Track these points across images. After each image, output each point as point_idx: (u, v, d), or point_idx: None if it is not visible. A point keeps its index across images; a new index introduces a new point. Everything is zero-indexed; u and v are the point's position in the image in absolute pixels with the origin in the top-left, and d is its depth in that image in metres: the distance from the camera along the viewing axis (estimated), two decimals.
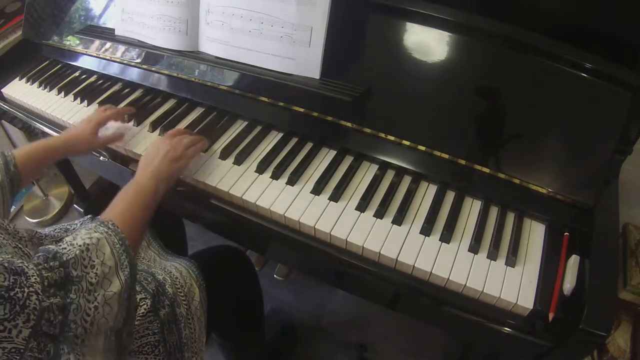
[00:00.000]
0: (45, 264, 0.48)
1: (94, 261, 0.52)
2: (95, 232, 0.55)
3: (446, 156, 0.79)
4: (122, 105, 1.03)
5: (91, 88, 1.10)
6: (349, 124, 0.84)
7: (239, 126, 0.94)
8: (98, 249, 0.53)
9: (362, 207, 0.76)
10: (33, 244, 0.66)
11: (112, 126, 0.93)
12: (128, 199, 0.67)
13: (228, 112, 0.96)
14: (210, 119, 0.96)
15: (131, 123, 0.98)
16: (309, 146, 0.88)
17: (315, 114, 0.86)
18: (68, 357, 0.47)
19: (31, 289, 0.44)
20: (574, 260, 0.67)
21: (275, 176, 0.82)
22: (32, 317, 0.43)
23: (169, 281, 0.79)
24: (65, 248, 0.51)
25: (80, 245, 0.52)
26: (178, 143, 0.79)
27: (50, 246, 0.51)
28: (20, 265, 0.45)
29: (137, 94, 1.07)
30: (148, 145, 0.91)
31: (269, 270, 1.47)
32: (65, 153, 0.86)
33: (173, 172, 0.76)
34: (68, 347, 0.47)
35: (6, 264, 0.44)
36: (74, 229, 0.84)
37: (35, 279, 0.45)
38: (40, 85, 1.13)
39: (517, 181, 0.75)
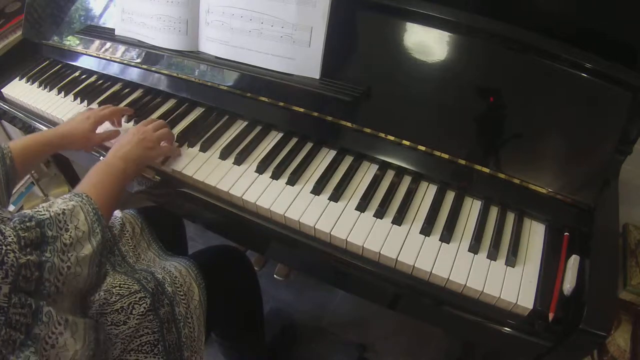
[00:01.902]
0: (22, 225, 0.50)
1: (68, 225, 0.55)
2: (71, 201, 0.58)
3: (446, 156, 0.79)
4: (122, 104, 1.03)
5: (91, 88, 1.10)
6: (349, 124, 0.84)
7: (239, 126, 0.94)
8: (73, 215, 0.56)
9: (362, 207, 0.76)
10: None
11: (110, 126, 0.94)
12: (98, 175, 0.70)
13: (228, 112, 0.96)
14: (210, 119, 0.96)
15: (130, 123, 0.98)
16: (309, 146, 0.88)
17: (315, 114, 0.86)
18: (49, 309, 0.49)
19: (8, 247, 0.46)
20: (574, 260, 0.67)
21: (275, 176, 0.82)
22: (10, 273, 0.45)
23: (169, 280, 0.79)
24: (40, 211, 0.53)
25: (55, 210, 0.54)
26: (150, 133, 0.82)
27: (26, 210, 0.53)
28: None
29: (137, 94, 1.07)
30: None
31: (269, 270, 1.47)
32: (61, 147, 0.86)
33: (143, 158, 0.79)
34: (45, 302, 0.49)
35: None
36: None
37: (12, 238, 0.47)
38: (40, 85, 1.13)
39: (517, 181, 0.75)
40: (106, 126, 0.93)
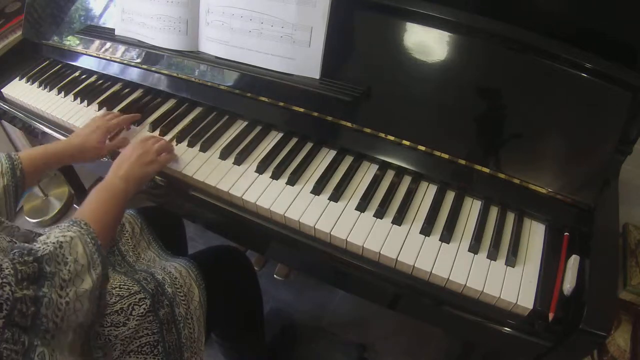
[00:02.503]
0: (20, 259, 0.49)
1: (67, 258, 0.53)
2: (69, 231, 0.56)
3: (446, 156, 0.79)
4: (122, 104, 1.03)
5: (91, 88, 1.10)
6: (349, 124, 0.84)
7: (239, 126, 0.94)
8: (71, 247, 0.54)
9: (362, 207, 0.76)
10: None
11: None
12: (99, 198, 0.69)
13: (228, 112, 0.96)
14: (210, 119, 0.96)
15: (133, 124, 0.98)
16: (309, 146, 0.88)
17: (315, 114, 0.86)
18: (42, 350, 0.48)
19: (4, 280, 0.45)
20: (574, 260, 0.67)
21: (275, 176, 0.82)
22: (4, 307, 0.44)
23: (169, 281, 0.79)
24: (39, 246, 0.52)
25: (54, 243, 0.53)
26: (150, 147, 0.81)
27: (25, 244, 0.52)
28: None
29: (137, 94, 1.07)
30: None
31: (269, 270, 1.47)
32: (72, 159, 0.86)
33: (143, 176, 0.79)
34: (40, 341, 0.48)
35: None
36: None
37: (9, 271, 0.46)
38: (40, 85, 1.13)
39: (517, 181, 0.75)
40: None
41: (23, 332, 0.46)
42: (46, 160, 0.80)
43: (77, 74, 1.15)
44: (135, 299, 0.73)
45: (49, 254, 0.51)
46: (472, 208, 0.78)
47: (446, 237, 0.72)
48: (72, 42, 1.15)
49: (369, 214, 0.76)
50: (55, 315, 0.49)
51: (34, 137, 1.41)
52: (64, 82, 1.13)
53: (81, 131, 0.88)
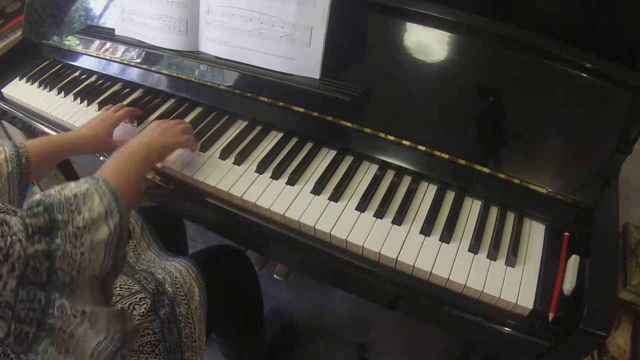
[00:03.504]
0: (29, 211, 0.46)
1: (81, 207, 0.50)
2: (85, 183, 0.54)
3: (446, 156, 0.79)
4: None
5: (91, 88, 1.10)
6: (349, 124, 0.84)
7: (239, 126, 0.94)
8: (86, 197, 0.51)
9: (362, 207, 0.76)
10: None
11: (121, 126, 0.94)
12: (119, 160, 0.67)
13: (228, 112, 0.96)
14: (210, 119, 0.96)
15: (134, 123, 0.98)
16: (309, 146, 0.88)
17: (315, 114, 0.86)
18: (62, 302, 0.46)
19: (14, 237, 0.43)
20: (574, 260, 0.67)
21: (275, 176, 0.82)
22: (17, 266, 0.42)
23: (169, 280, 0.79)
24: (50, 194, 0.50)
25: (66, 194, 0.50)
26: (174, 124, 0.82)
27: (35, 196, 0.50)
28: (2, 216, 0.44)
29: (137, 94, 1.07)
30: None
31: (269, 270, 1.47)
32: (79, 151, 0.85)
33: (166, 145, 0.78)
34: (58, 294, 0.46)
35: None
36: None
37: (19, 227, 0.44)
38: (40, 85, 1.13)
39: (517, 181, 0.75)
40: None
41: (39, 289, 0.44)
42: (53, 150, 0.79)
43: (77, 74, 1.15)
44: (136, 298, 0.73)
45: (59, 201, 0.49)
46: (472, 208, 0.78)
47: (446, 237, 0.72)
48: (72, 42, 1.15)
49: (369, 214, 0.76)
50: (71, 268, 0.47)
51: (34, 137, 1.40)
52: (64, 82, 1.13)
53: (89, 123, 0.89)
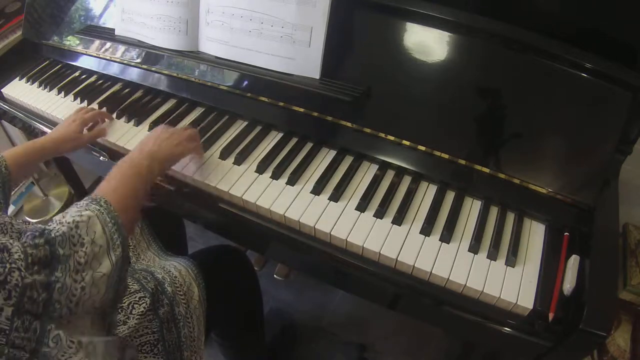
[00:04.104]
0: (31, 242, 0.46)
1: (83, 239, 0.49)
2: (87, 209, 0.53)
3: (446, 156, 0.78)
4: (122, 105, 1.03)
5: (91, 88, 1.10)
6: (349, 124, 0.84)
7: (239, 126, 0.94)
8: (89, 227, 0.51)
9: (362, 207, 0.76)
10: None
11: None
12: (121, 175, 0.65)
13: (228, 112, 0.96)
14: (210, 119, 0.96)
15: (130, 122, 0.98)
16: (309, 146, 0.88)
17: (315, 114, 0.86)
18: (57, 333, 0.46)
19: (13, 265, 0.43)
20: (574, 260, 0.67)
21: (275, 176, 0.82)
22: (13, 294, 0.42)
23: (168, 280, 0.79)
24: (53, 226, 0.49)
25: (69, 223, 0.50)
26: (180, 132, 0.79)
27: (39, 225, 0.50)
28: (4, 242, 0.44)
29: (137, 94, 1.07)
30: None
31: (269, 270, 1.47)
32: (54, 151, 0.88)
33: (170, 155, 0.75)
34: (54, 325, 0.46)
35: None
36: None
37: (19, 255, 0.44)
38: (40, 85, 1.13)
39: (517, 181, 0.75)
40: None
41: (35, 319, 0.44)
42: (30, 155, 0.82)
43: (77, 74, 1.15)
44: (135, 297, 0.73)
45: (62, 235, 0.48)
46: (472, 208, 0.78)
47: (446, 237, 0.72)
48: (72, 42, 1.15)
49: (369, 214, 0.76)
50: (69, 301, 0.47)
51: (34, 137, 1.40)
52: (64, 82, 1.13)
53: (59, 126, 0.92)
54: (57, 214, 1.82)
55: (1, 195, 0.73)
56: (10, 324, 0.42)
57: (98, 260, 0.50)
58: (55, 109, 1.05)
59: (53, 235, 0.48)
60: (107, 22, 1.10)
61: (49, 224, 0.50)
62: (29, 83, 1.16)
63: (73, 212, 0.52)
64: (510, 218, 0.76)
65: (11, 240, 0.45)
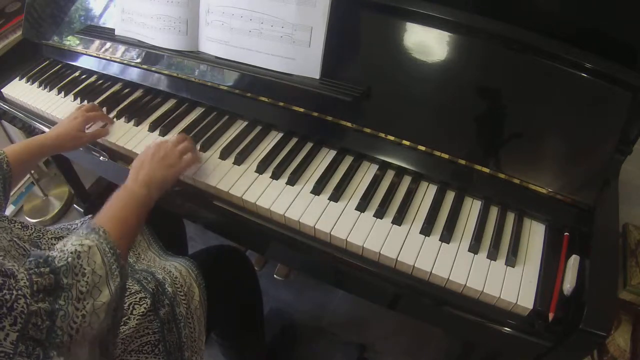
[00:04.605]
0: (36, 269, 0.47)
1: (85, 269, 0.51)
2: (87, 239, 0.54)
3: (446, 156, 0.79)
4: (122, 105, 1.03)
5: (91, 88, 1.10)
6: (349, 124, 0.84)
7: (239, 126, 0.94)
8: (89, 257, 0.53)
9: (362, 207, 0.76)
10: (30, 244, 0.66)
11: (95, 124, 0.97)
12: (119, 205, 0.66)
13: (228, 112, 0.96)
14: (210, 119, 0.96)
15: (130, 122, 0.98)
16: (309, 146, 0.88)
17: (315, 114, 0.86)
18: None
19: (20, 292, 0.44)
20: (574, 260, 0.67)
21: (275, 176, 0.82)
22: (19, 320, 0.43)
23: (169, 280, 0.79)
24: (56, 254, 0.51)
25: (71, 253, 0.51)
26: (172, 150, 0.78)
27: (42, 251, 0.51)
28: (11, 268, 0.45)
29: (137, 94, 1.07)
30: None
31: (269, 270, 1.47)
32: (54, 149, 0.88)
33: (166, 178, 0.75)
34: (55, 352, 0.47)
35: None
36: (74, 228, 0.84)
37: (25, 282, 0.45)
38: (40, 85, 1.13)
39: (517, 181, 0.75)
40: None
41: (37, 345, 0.45)
42: (30, 150, 0.82)
43: (77, 74, 1.15)
44: (136, 298, 0.73)
45: (66, 265, 0.50)
46: (472, 208, 0.78)
47: (446, 237, 0.72)
48: (72, 42, 1.15)
49: (369, 214, 0.76)
50: (70, 328, 0.48)
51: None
52: (64, 82, 1.13)
53: (61, 123, 0.91)
54: (57, 214, 1.83)
55: (1, 193, 0.73)
56: (14, 349, 0.43)
57: (98, 289, 0.52)
58: (55, 109, 1.05)
59: (57, 264, 0.49)
60: (107, 22, 1.10)
61: (52, 252, 0.51)
62: (29, 83, 1.16)
63: (74, 241, 0.54)
64: (510, 218, 0.76)
65: (17, 266, 0.46)
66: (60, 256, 0.51)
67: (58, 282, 0.48)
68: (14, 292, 0.43)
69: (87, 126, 0.93)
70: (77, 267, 0.51)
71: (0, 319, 0.42)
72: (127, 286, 0.74)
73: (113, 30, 1.06)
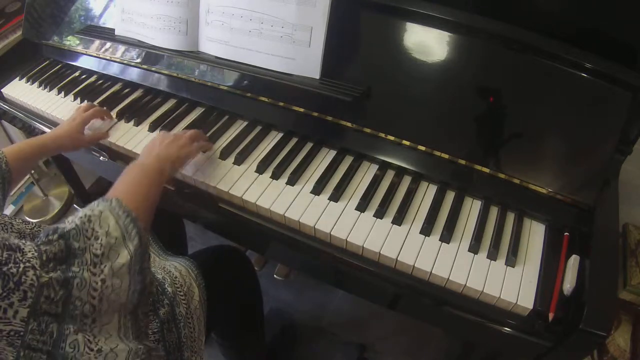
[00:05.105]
0: (45, 238, 0.45)
1: (97, 231, 0.48)
2: (97, 206, 0.52)
3: (446, 156, 0.79)
4: (122, 104, 1.03)
5: (91, 88, 1.10)
6: (349, 124, 0.84)
7: (239, 126, 0.94)
8: (101, 220, 0.50)
9: (362, 207, 0.76)
10: (31, 238, 0.66)
11: (96, 124, 0.97)
12: (131, 177, 0.65)
13: (228, 112, 0.96)
14: (210, 119, 0.96)
15: (130, 122, 0.98)
16: (309, 146, 0.88)
17: (315, 114, 0.86)
18: (75, 338, 0.44)
19: (27, 264, 0.41)
20: (574, 260, 0.67)
21: (275, 176, 0.82)
22: (29, 294, 0.41)
23: (169, 280, 0.79)
24: (65, 224, 0.49)
25: (81, 217, 0.49)
26: (182, 135, 0.80)
27: (51, 225, 0.49)
28: (17, 242, 0.43)
29: (137, 93, 1.07)
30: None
31: (269, 270, 1.47)
32: (54, 150, 0.88)
33: (178, 157, 0.76)
34: (75, 326, 0.44)
35: None
36: None
37: (33, 254, 0.42)
38: (40, 85, 1.13)
39: (517, 181, 0.75)
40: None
41: (53, 320, 0.43)
42: (29, 151, 0.82)
43: (77, 74, 1.15)
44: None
45: (75, 228, 0.47)
46: (472, 208, 0.78)
47: (446, 237, 0.72)
48: (72, 42, 1.15)
49: (369, 214, 0.76)
50: (91, 297, 0.45)
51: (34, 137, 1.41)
52: (64, 82, 1.13)
53: (61, 124, 0.92)
54: (57, 214, 1.83)
55: (0, 193, 0.73)
56: (25, 326, 0.41)
57: (115, 251, 0.49)
58: (55, 109, 1.05)
59: (66, 228, 0.47)
60: (107, 22, 1.10)
61: (62, 223, 0.49)
62: (29, 83, 1.16)
63: (85, 210, 0.51)
64: (510, 218, 0.76)
65: (23, 241, 0.44)
66: (69, 224, 0.48)
67: (69, 247, 0.46)
68: (21, 265, 0.41)
69: (88, 125, 0.93)
70: (89, 231, 0.48)
71: (7, 294, 0.40)
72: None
73: (113, 30, 1.06)
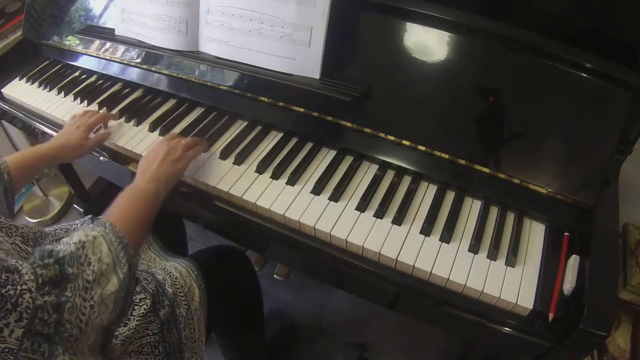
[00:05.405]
0: (40, 262, 0.47)
1: (90, 258, 0.51)
2: (92, 231, 0.54)
3: (446, 156, 0.79)
4: (122, 104, 1.03)
5: (91, 88, 1.10)
6: (349, 124, 0.84)
7: (239, 126, 0.94)
8: (94, 246, 0.52)
9: (362, 207, 0.76)
10: (34, 242, 0.66)
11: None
12: (126, 201, 0.67)
13: (228, 112, 0.96)
14: (210, 119, 0.96)
15: (130, 122, 0.98)
16: (309, 146, 0.88)
17: (315, 114, 0.86)
18: (63, 358, 0.46)
19: (24, 286, 0.43)
20: (574, 260, 0.67)
21: (275, 176, 0.82)
22: (24, 316, 0.42)
23: (169, 281, 0.79)
24: (61, 247, 0.50)
25: (75, 243, 0.51)
26: (176, 145, 0.79)
27: (46, 245, 0.50)
28: (14, 263, 0.44)
29: (137, 94, 1.07)
30: (148, 145, 0.91)
31: (269, 270, 1.47)
32: (57, 159, 0.87)
33: (173, 174, 0.76)
34: (62, 347, 0.46)
35: None
36: (74, 229, 0.84)
37: (29, 276, 0.44)
38: (40, 85, 1.13)
39: (517, 181, 0.75)
40: None
41: (45, 341, 0.44)
42: (32, 161, 0.81)
43: (77, 74, 1.15)
44: (136, 299, 0.73)
45: (70, 254, 0.49)
46: (472, 208, 0.78)
47: (446, 237, 0.72)
48: (72, 42, 1.15)
49: (369, 214, 0.76)
50: (79, 320, 0.47)
51: (34, 137, 1.41)
52: (64, 82, 1.13)
53: (63, 132, 0.90)
54: (57, 214, 1.83)
55: (4, 203, 0.73)
56: (19, 345, 0.42)
57: (106, 277, 0.52)
58: (55, 109, 1.05)
59: (62, 254, 0.49)
60: (107, 22, 1.10)
61: (57, 246, 0.51)
62: (29, 83, 1.16)
63: (79, 234, 0.53)
64: (510, 218, 0.76)
65: (20, 262, 0.45)
66: (64, 248, 0.50)
67: (63, 272, 0.48)
68: (18, 287, 0.42)
69: (92, 131, 0.92)
70: (82, 257, 0.50)
71: (5, 315, 0.41)
72: (133, 302, 0.74)
73: (113, 30, 1.06)
